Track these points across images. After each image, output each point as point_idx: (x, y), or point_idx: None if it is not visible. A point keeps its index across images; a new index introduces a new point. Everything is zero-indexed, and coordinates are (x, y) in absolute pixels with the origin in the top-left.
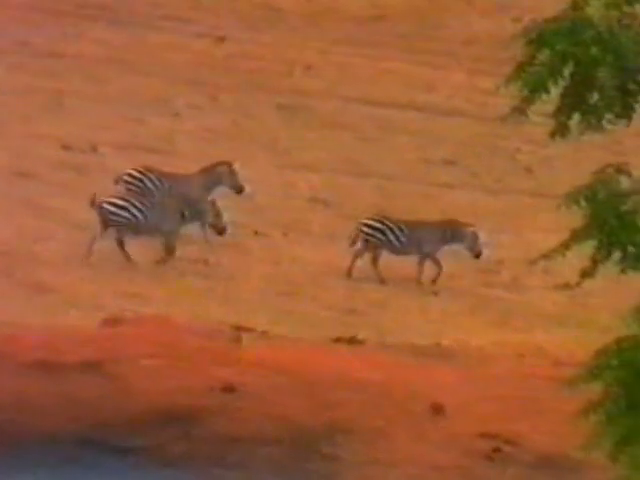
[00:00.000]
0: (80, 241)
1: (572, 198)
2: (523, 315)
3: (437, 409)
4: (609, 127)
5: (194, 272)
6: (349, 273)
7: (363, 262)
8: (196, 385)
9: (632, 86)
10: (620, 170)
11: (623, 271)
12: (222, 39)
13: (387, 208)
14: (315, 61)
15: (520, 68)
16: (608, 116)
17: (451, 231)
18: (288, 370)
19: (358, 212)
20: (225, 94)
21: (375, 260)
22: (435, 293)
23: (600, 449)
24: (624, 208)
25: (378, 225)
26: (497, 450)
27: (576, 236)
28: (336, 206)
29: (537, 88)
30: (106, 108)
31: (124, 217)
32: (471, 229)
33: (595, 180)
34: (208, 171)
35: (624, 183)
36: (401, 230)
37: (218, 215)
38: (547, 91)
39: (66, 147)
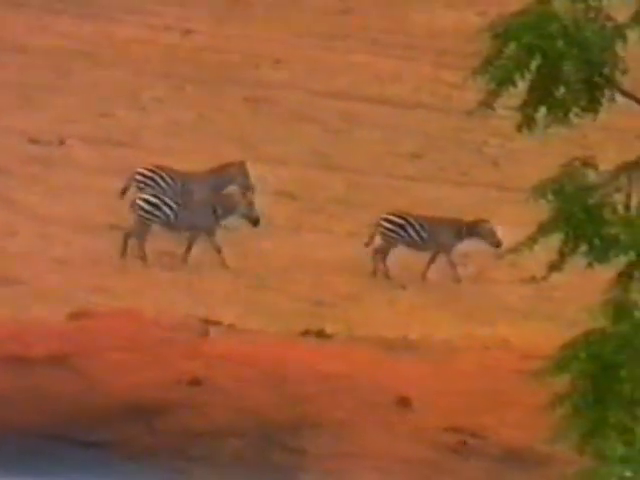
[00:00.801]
0: (47, 234)
1: (539, 191)
2: (490, 308)
3: (404, 402)
4: (576, 120)
5: (161, 265)
6: (374, 272)
7: (333, 253)
8: (162, 378)
9: (598, 79)
10: (587, 164)
11: (590, 264)
12: (189, 32)
13: (353, 201)
14: (282, 54)
15: (487, 61)
16: (574, 109)
17: (467, 228)
18: (255, 363)
19: (325, 205)
20: (192, 87)
21: (385, 256)
22: (403, 287)
23: (566, 442)
24: (591, 201)
25: (399, 221)
26: (463, 443)
27: (543, 229)
28: (303, 199)
29: (504, 81)
30: (73, 101)
31: (156, 215)
32: (488, 225)
33: (562, 173)
34: (220, 170)
35: (591, 176)
36: (422, 226)
37: (251, 206)
38: (514, 84)
39: (33, 140)
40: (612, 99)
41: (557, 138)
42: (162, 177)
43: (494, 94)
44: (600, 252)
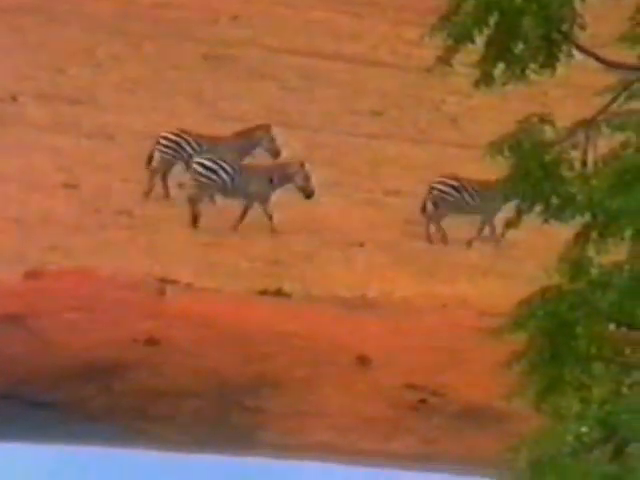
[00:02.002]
0: (0, 193)
1: (496, 148)
2: (448, 266)
3: (363, 361)
4: (534, 77)
5: (117, 224)
6: (429, 238)
7: (284, 215)
8: (119, 338)
9: (556, 36)
10: (544, 120)
11: (547, 221)
12: None
13: (312, 159)
14: (240, 10)
15: (445, 18)
16: (532, 66)
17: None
18: (213, 323)
19: (283, 161)
20: (149, 44)
21: (440, 219)
22: (360, 245)
23: (524, 399)
24: (548, 158)
25: (454, 183)
26: (423, 401)
27: (500, 186)
28: (262, 157)
29: (461, 38)
30: (26, 58)
31: (213, 179)
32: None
33: (519, 130)
34: (246, 134)
35: (548, 133)
36: (475, 190)
37: (307, 178)
38: (472, 41)
39: None
40: (570, 55)
41: (516, 95)
42: (187, 141)
43: (452, 50)
44: (557, 210)
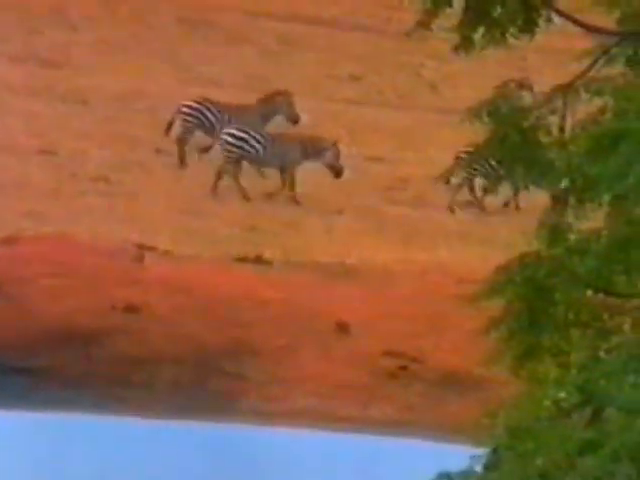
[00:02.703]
0: None
1: (474, 113)
2: (427, 233)
3: (342, 327)
4: (513, 41)
5: (95, 190)
6: (451, 208)
7: (269, 178)
8: (97, 305)
9: (535, 0)
10: (522, 85)
11: (525, 187)
12: None
13: (289, 125)
14: None
15: None
16: (511, 30)
17: None
18: (192, 289)
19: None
20: (124, 6)
21: (474, 188)
22: (340, 212)
23: (502, 365)
24: (526, 124)
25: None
26: (402, 368)
27: (478, 152)
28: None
29: (440, 2)
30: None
31: (243, 149)
32: None
33: (497, 95)
34: (266, 101)
35: (526, 98)
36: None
37: (337, 157)
38: (450, 5)
39: None
40: (549, 20)
41: (495, 61)
42: (209, 109)
43: (431, 14)
44: (535, 176)
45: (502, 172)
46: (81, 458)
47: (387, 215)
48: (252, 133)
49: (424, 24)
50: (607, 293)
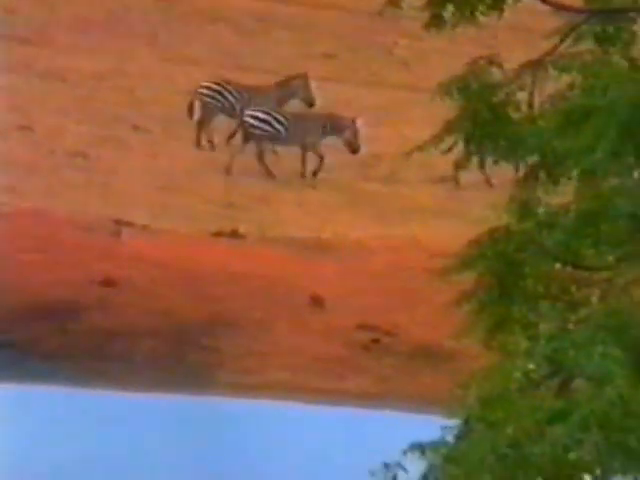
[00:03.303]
0: None
1: (444, 90)
2: (400, 208)
3: (317, 301)
4: (483, 19)
5: (73, 166)
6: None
7: (245, 157)
8: (75, 279)
9: None
10: (492, 62)
11: (495, 162)
12: None
13: None
14: None
15: None
16: (481, 8)
17: None
18: (169, 264)
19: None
20: None
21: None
22: (314, 187)
23: (473, 337)
24: (495, 99)
25: None
26: (375, 341)
27: (449, 128)
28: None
29: None
30: None
31: (265, 130)
32: None
33: (467, 72)
34: (284, 84)
35: (496, 75)
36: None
37: (356, 135)
38: None
39: None
40: None
41: (466, 39)
42: (229, 90)
43: None
44: (505, 150)
45: (472, 148)
46: (61, 430)
47: (361, 191)
48: (274, 114)
49: (394, 2)
50: (575, 266)
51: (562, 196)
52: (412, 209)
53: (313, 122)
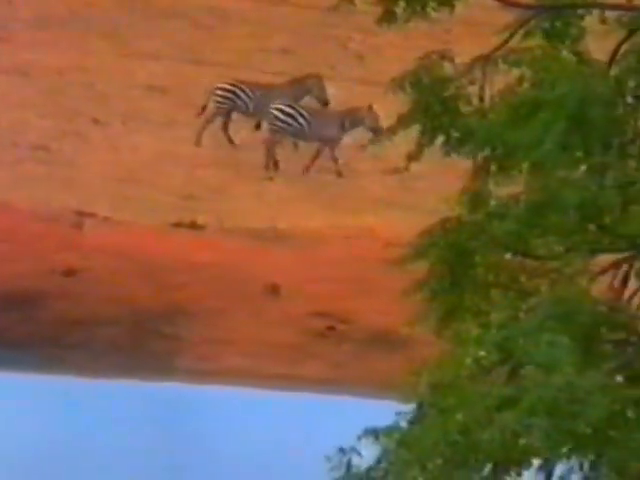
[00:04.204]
0: None
1: (397, 83)
2: (355, 199)
3: (273, 290)
4: (434, 14)
5: (35, 158)
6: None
7: (203, 147)
8: (37, 269)
9: None
10: (443, 56)
11: (447, 154)
12: None
13: None
14: None
15: None
16: (432, 3)
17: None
18: (129, 254)
19: (195, 100)
20: None
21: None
22: (270, 178)
23: (426, 325)
24: (447, 93)
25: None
26: (331, 328)
27: (402, 121)
28: (174, 94)
29: None
30: None
31: (290, 124)
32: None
33: (419, 66)
34: (298, 82)
35: (447, 69)
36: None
37: (376, 119)
38: None
39: None
40: None
41: (419, 33)
42: (242, 90)
43: None
44: (456, 143)
45: (424, 140)
46: (24, 417)
47: (316, 182)
48: (298, 108)
49: None
50: (525, 256)
51: (512, 187)
52: (366, 200)
53: (332, 118)
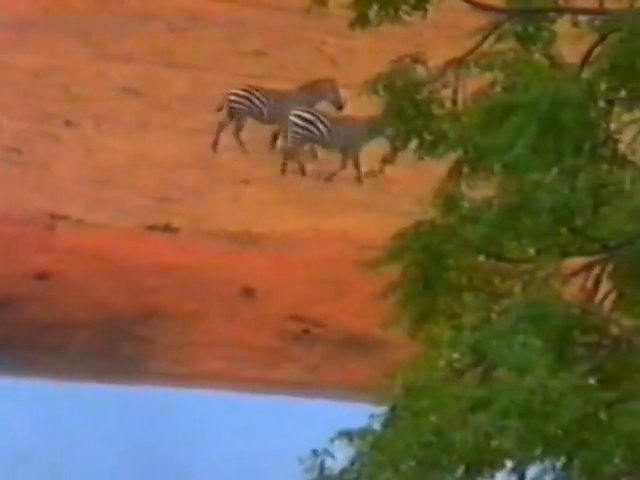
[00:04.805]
0: None
1: (370, 87)
2: (329, 202)
3: (248, 293)
4: (407, 18)
5: (8, 160)
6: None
7: (178, 149)
8: (10, 272)
9: None
10: (416, 60)
11: (420, 158)
12: None
13: (198, 98)
14: None
15: None
16: (404, 7)
17: None
18: (103, 257)
19: (170, 102)
20: None
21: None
22: (246, 181)
23: (400, 327)
24: (420, 97)
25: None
26: (306, 331)
27: (375, 124)
28: (148, 96)
29: None
30: None
31: (310, 131)
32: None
33: (392, 69)
34: (311, 87)
35: (420, 72)
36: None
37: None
38: None
39: None
40: None
41: (392, 37)
42: (256, 96)
43: None
44: (430, 146)
45: (398, 144)
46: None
47: (291, 185)
48: (318, 115)
49: (322, 1)
50: (498, 258)
51: (486, 190)
52: (341, 203)
53: (355, 126)
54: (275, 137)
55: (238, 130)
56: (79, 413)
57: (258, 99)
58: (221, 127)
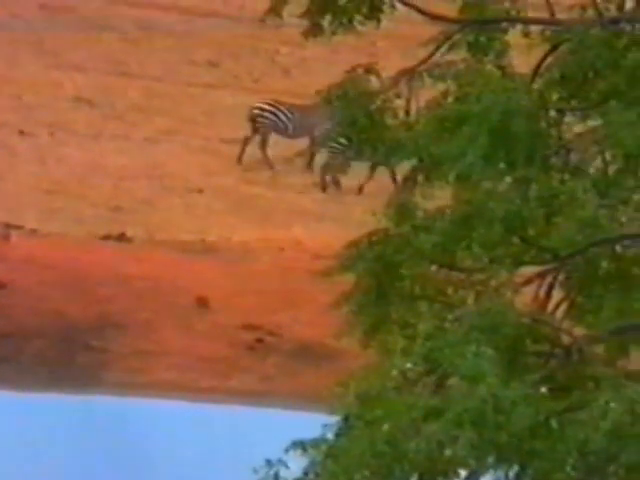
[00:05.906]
0: None
1: (324, 97)
2: (283, 212)
3: (202, 302)
4: (360, 28)
5: None
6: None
7: (131, 159)
8: None
9: None
10: (369, 70)
11: (373, 167)
12: None
13: (151, 108)
14: None
15: None
16: (357, 17)
17: None
18: (57, 266)
19: (123, 112)
20: None
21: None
22: (200, 191)
23: (353, 337)
24: (373, 107)
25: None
26: (259, 340)
27: (329, 134)
28: (101, 106)
29: None
30: None
31: (347, 145)
32: None
33: (346, 80)
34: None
35: (373, 83)
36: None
37: None
38: None
39: None
40: (392, 7)
41: (346, 47)
42: (281, 110)
43: (281, 2)
44: (383, 156)
45: (351, 153)
46: None
47: (245, 195)
48: None
49: (275, 11)
50: (451, 268)
51: (440, 200)
52: (295, 212)
53: None
54: (312, 155)
55: (264, 144)
56: (32, 424)
57: (284, 114)
58: (247, 141)
